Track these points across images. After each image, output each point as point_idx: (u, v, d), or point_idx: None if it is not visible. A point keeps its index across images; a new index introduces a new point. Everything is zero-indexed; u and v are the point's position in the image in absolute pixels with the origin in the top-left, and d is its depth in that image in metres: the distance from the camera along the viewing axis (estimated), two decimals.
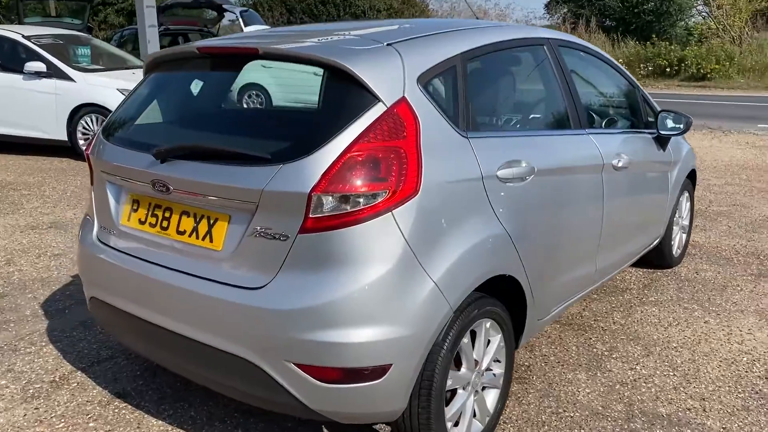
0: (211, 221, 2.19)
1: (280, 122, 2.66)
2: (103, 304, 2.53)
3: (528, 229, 2.53)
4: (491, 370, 2.51)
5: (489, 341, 2.45)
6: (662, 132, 3.74)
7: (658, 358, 3.21)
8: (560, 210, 2.81)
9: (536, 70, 3.06)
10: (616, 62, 3.77)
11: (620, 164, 3.23)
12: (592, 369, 3.10)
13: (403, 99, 2.13)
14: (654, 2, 26.16)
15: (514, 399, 2.82)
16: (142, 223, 2.38)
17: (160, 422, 2.64)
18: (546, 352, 3.27)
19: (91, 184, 2.66)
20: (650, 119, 3.81)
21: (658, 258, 4.32)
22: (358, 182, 1.98)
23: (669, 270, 4.44)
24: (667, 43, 21.69)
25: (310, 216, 1.97)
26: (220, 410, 2.72)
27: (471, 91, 2.43)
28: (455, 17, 28.13)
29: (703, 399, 2.86)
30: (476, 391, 2.43)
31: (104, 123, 2.72)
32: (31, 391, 2.85)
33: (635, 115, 3.82)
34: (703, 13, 26.39)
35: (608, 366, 3.13)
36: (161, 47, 10.89)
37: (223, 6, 13.06)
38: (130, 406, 2.74)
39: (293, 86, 7.96)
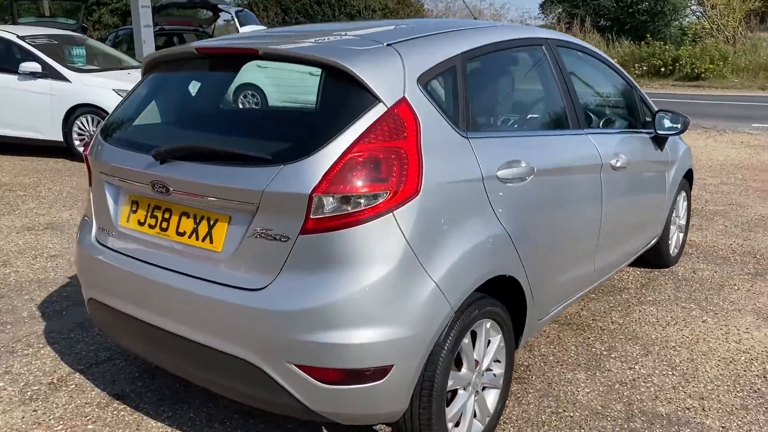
0: (211, 222, 2.18)
1: (280, 123, 2.65)
2: (102, 306, 2.52)
3: (528, 230, 2.53)
4: (491, 370, 2.51)
5: (489, 341, 2.45)
6: (660, 132, 3.75)
7: (657, 358, 3.22)
8: (559, 210, 2.81)
9: (535, 70, 3.06)
10: (613, 62, 3.77)
11: (618, 164, 3.23)
12: (591, 369, 3.11)
13: (404, 99, 2.12)
14: (648, 2, 26.22)
15: (513, 399, 2.83)
16: (141, 224, 2.38)
17: (159, 424, 2.63)
18: (545, 352, 3.27)
19: (90, 185, 2.65)
20: (648, 119, 3.82)
21: (655, 257, 4.33)
22: (359, 183, 1.97)
23: (666, 269, 4.45)
24: (662, 42, 21.75)
25: (311, 217, 1.96)
26: (219, 412, 2.71)
27: (471, 91, 2.43)
28: (450, 17, 28.15)
29: (702, 398, 2.87)
30: (477, 392, 2.43)
31: (103, 123, 2.71)
32: (29, 393, 2.83)
33: (633, 114, 3.83)
34: (697, 13, 26.50)
35: (607, 365, 3.14)
36: (156, 47, 10.86)
37: (219, 6, 13.02)
38: (129, 408, 2.73)
39: (289, 86, 7.95)
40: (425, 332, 2.07)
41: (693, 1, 26.44)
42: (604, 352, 3.27)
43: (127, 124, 2.65)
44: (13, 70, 7.64)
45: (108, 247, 2.49)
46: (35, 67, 7.58)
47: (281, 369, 2.03)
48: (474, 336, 2.34)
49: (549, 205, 2.72)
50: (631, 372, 3.08)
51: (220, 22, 14.86)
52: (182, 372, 2.42)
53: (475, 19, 4.25)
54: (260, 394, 2.16)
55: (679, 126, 3.77)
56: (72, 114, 7.63)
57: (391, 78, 2.14)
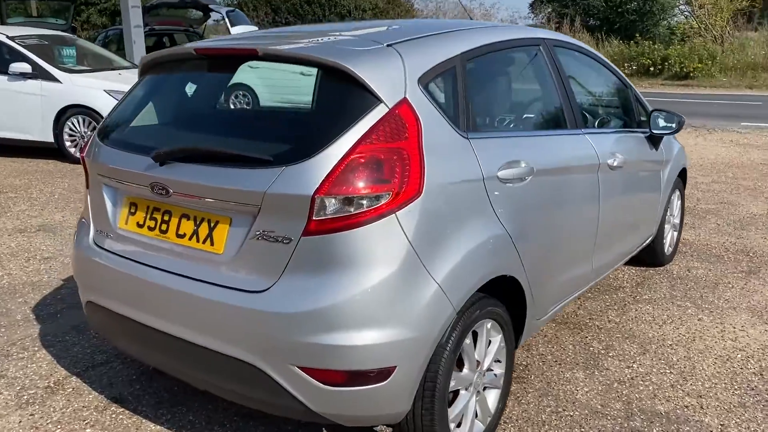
0: (212, 224, 2.17)
1: (281, 124, 2.64)
2: (101, 309, 2.50)
3: (527, 230, 2.54)
4: (492, 370, 2.51)
5: (490, 341, 2.45)
6: (655, 131, 3.77)
7: (654, 356, 3.23)
8: (558, 210, 2.82)
9: (533, 70, 3.07)
10: (608, 62, 3.79)
11: (615, 164, 3.25)
12: (589, 367, 3.12)
13: (405, 100, 2.12)
14: (637, 2, 26.37)
15: (513, 399, 2.83)
16: (140, 226, 2.36)
17: (158, 427, 2.61)
18: (543, 351, 3.28)
19: (87, 187, 2.63)
20: (643, 119, 3.84)
21: (650, 256, 4.35)
22: (362, 184, 1.97)
23: (661, 268, 4.47)
24: (651, 42, 21.89)
25: (314, 218, 1.96)
26: (219, 414, 2.70)
27: (471, 91, 2.43)
28: (441, 17, 28.18)
29: (700, 396, 2.88)
30: (478, 392, 2.43)
31: (100, 125, 2.69)
32: (25, 397, 2.81)
33: (628, 114, 3.85)
34: (686, 13, 26.68)
35: (605, 364, 3.15)
36: (146, 48, 10.80)
37: (209, 6, 12.96)
38: (127, 411, 2.71)
39: (281, 86, 7.92)
40: (428, 333, 2.06)
41: (681, 1, 26.63)
42: (602, 351, 3.28)
43: (125, 126, 2.62)
44: (2, 70, 7.57)
45: (106, 250, 2.47)
46: (25, 67, 7.51)
47: (283, 371, 2.02)
48: (475, 336, 2.35)
49: (548, 205, 2.73)
50: (630, 371, 3.09)
51: (210, 22, 14.80)
52: (182, 375, 2.41)
53: (471, 19, 4.25)
54: (261, 396, 2.15)
55: (673, 125, 3.79)
56: (63, 115, 7.57)
57: (392, 79, 2.14)
